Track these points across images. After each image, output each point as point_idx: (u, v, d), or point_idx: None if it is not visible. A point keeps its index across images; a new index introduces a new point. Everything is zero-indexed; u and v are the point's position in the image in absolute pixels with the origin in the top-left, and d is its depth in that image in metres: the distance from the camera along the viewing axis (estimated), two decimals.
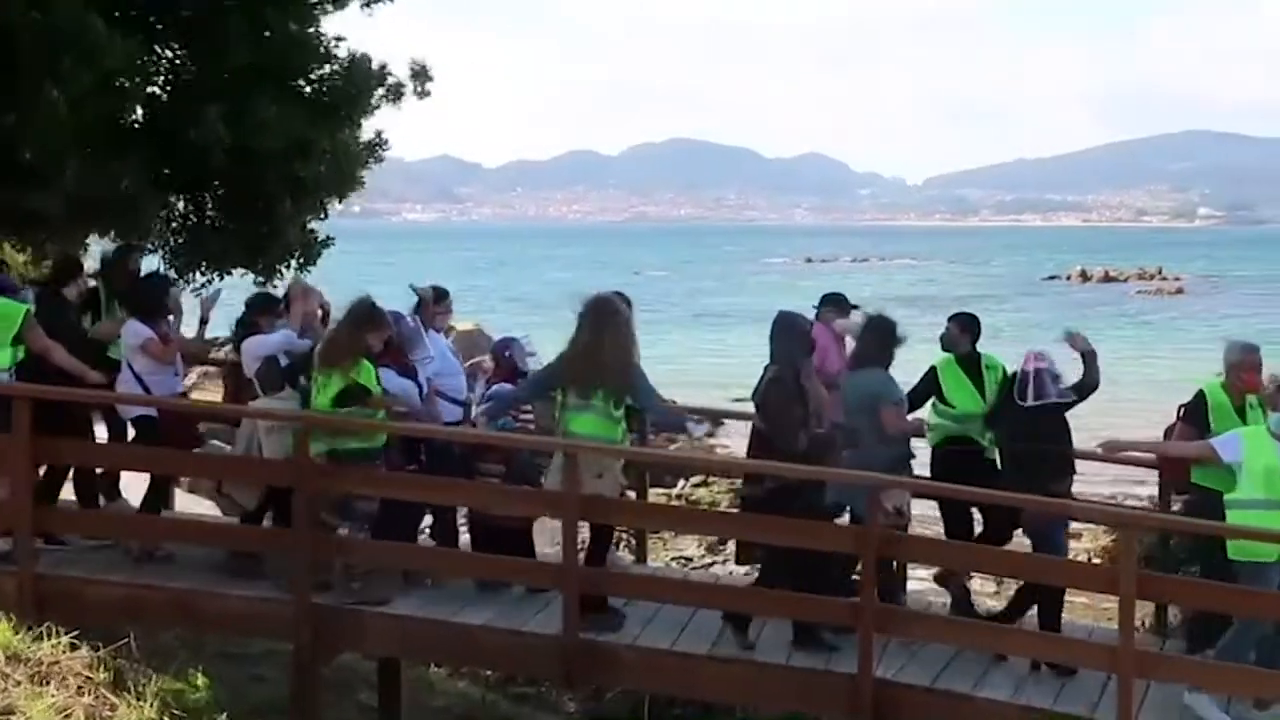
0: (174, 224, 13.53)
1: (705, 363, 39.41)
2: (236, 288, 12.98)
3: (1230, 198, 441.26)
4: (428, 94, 13.67)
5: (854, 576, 8.11)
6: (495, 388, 9.15)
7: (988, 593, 12.70)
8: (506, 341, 9.44)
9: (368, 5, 13.59)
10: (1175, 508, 9.87)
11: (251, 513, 9.09)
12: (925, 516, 10.66)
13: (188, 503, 12.21)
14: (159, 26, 12.49)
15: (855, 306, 10.22)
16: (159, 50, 12.59)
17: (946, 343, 9.35)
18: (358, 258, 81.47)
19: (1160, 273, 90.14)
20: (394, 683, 9.90)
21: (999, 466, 8.80)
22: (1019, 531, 8.75)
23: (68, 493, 9.89)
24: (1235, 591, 7.68)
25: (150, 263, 12.02)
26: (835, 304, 10.19)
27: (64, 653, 7.13)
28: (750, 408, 8.82)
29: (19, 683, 6.74)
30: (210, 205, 13.44)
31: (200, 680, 8.85)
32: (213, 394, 16.77)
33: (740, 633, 8.30)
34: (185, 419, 9.49)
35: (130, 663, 7.65)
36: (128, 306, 9.58)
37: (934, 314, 26.30)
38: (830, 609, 8.12)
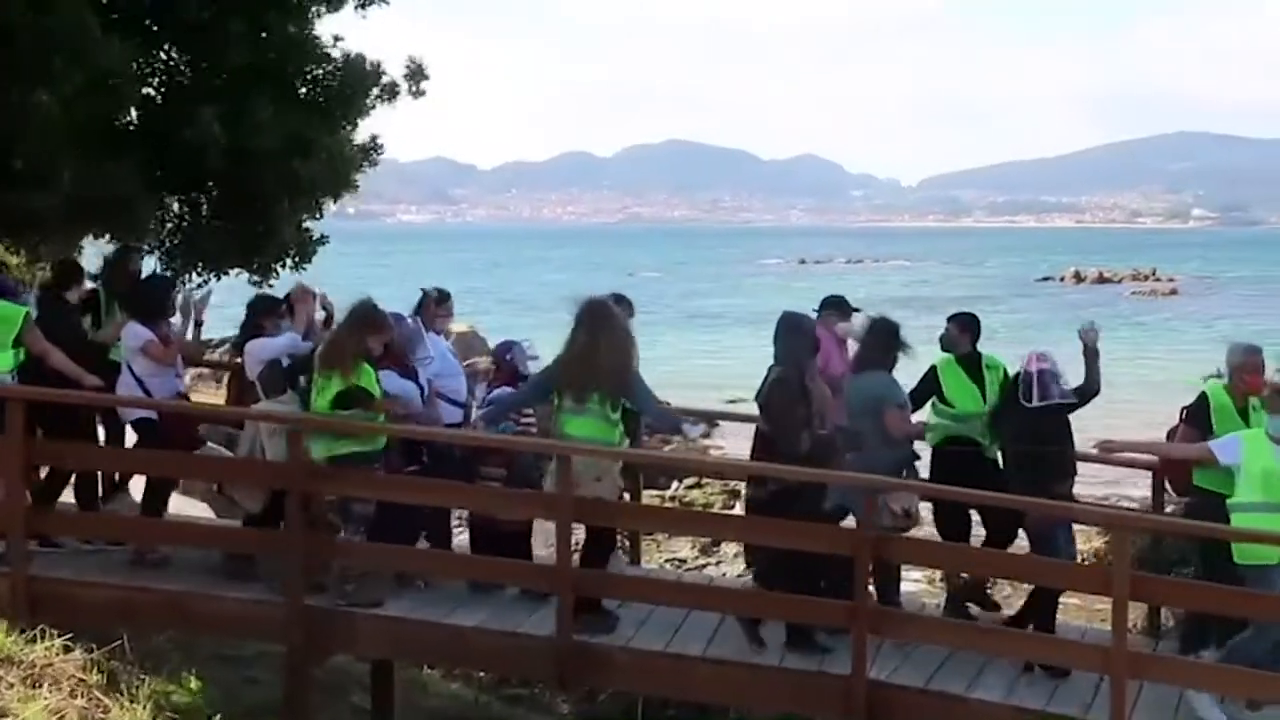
0: (169, 224, 13.52)
1: (700, 364, 39.46)
2: (232, 288, 12.98)
3: (1224, 199, 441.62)
4: (423, 93, 13.68)
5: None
6: (496, 391, 9.14)
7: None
8: (507, 344, 9.42)
9: (362, 7, 13.59)
10: (1169, 509, 9.89)
11: (256, 516, 9.05)
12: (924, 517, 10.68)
13: (181, 504, 12.17)
14: (156, 29, 12.48)
15: (856, 309, 10.21)
16: (156, 52, 12.58)
17: (946, 343, 9.34)
18: (353, 259, 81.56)
19: (1154, 274, 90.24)
20: (387, 684, 9.90)
21: (1000, 466, 8.81)
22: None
23: (66, 494, 9.88)
24: (1228, 593, 7.69)
25: (146, 264, 11.98)
26: (836, 307, 10.16)
27: (57, 655, 7.14)
28: (745, 409, 8.82)
29: (12, 685, 6.74)
30: (206, 205, 13.43)
31: (193, 682, 8.88)
32: (207, 395, 16.78)
33: (752, 633, 8.31)
34: (185, 421, 9.46)
35: (123, 665, 7.67)
36: (128, 308, 9.56)
37: (929, 315, 26.30)
38: (825, 610, 8.12)
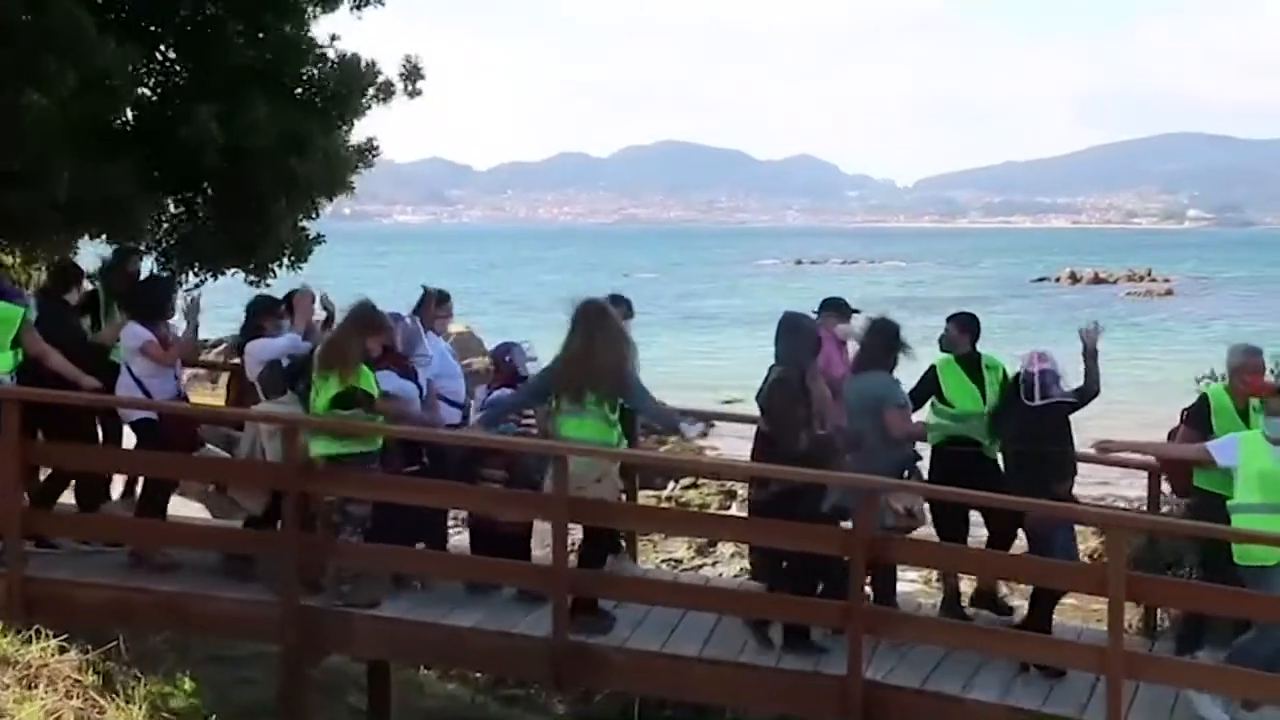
0: (165, 225, 13.52)
1: (695, 365, 39.45)
2: (228, 289, 12.97)
3: (1219, 200, 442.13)
4: (419, 93, 13.68)
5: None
6: (496, 394, 9.13)
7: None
8: (507, 346, 9.41)
9: (357, 9, 13.59)
10: (1164, 509, 9.90)
11: (259, 518, 9.02)
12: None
13: (176, 505, 12.16)
14: (153, 30, 12.48)
15: (856, 311, 10.21)
16: (152, 53, 12.57)
17: (946, 343, 9.35)
18: (348, 260, 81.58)
19: (1150, 274, 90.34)
20: (384, 685, 9.89)
21: (1000, 466, 8.81)
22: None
23: (66, 495, 9.87)
24: (1223, 593, 7.71)
25: (143, 264, 11.97)
26: (836, 309, 10.14)
27: (53, 656, 7.14)
28: (741, 410, 8.83)
29: (8, 686, 6.74)
30: (202, 205, 13.42)
31: (188, 683, 8.86)
32: (201, 396, 16.75)
33: (761, 634, 8.31)
34: (185, 422, 9.45)
35: (119, 665, 7.67)
36: (127, 309, 9.55)
37: (924, 316, 26.33)
38: (821, 611, 8.13)
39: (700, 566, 16.95)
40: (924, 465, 9.06)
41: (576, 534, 8.74)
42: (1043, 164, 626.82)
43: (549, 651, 8.16)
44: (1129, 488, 16.97)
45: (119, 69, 11.18)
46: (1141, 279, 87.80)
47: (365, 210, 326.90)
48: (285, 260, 13.55)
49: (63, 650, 7.22)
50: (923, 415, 9.30)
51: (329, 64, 13.11)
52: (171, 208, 13.47)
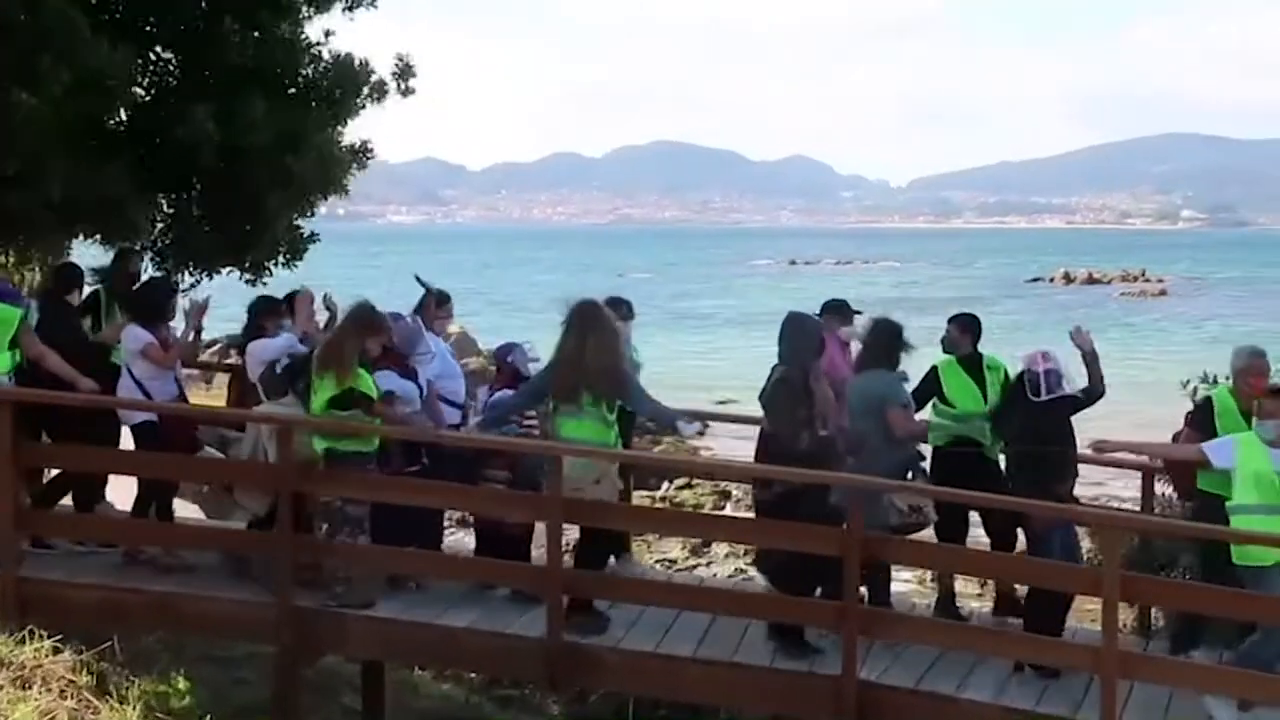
0: (160, 224, 13.50)
1: (690, 365, 39.44)
2: (225, 288, 12.96)
3: (1213, 200, 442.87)
4: (412, 91, 13.66)
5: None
6: (497, 395, 9.12)
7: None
8: (508, 346, 9.39)
9: (349, 9, 13.58)
10: (1159, 510, 9.91)
11: (262, 519, 8.98)
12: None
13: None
14: (148, 29, 12.46)
15: (858, 312, 10.20)
16: (147, 53, 12.56)
17: (948, 344, 9.36)
18: (342, 260, 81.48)
19: (1144, 275, 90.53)
20: (378, 685, 9.89)
21: (1001, 467, 8.81)
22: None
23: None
24: (1218, 593, 7.72)
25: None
26: (838, 311, 10.11)
27: (47, 656, 7.12)
28: (735, 410, 8.83)
29: (1, 686, 6.72)
30: (197, 204, 13.40)
31: (182, 683, 8.85)
32: (195, 397, 16.73)
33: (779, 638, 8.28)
34: (185, 423, 9.43)
35: (113, 666, 7.65)
36: (128, 311, 9.53)
37: (919, 317, 26.26)
38: (815, 611, 8.13)
39: (695, 567, 16.96)
40: (926, 465, 9.06)
41: (575, 534, 8.75)
42: (1037, 164, 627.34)
43: (544, 652, 8.16)
44: (1123, 488, 16.97)
45: (113, 69, 11.17)
46: (1135, 279, 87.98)
47: (359, 210, 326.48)
48: (280, 259, 13.54)
49: (57, 651, 7.20)
50: (924, 416, 9.31)
51: (324, 63, 13.11)
52: (165, 207, 13.46)
